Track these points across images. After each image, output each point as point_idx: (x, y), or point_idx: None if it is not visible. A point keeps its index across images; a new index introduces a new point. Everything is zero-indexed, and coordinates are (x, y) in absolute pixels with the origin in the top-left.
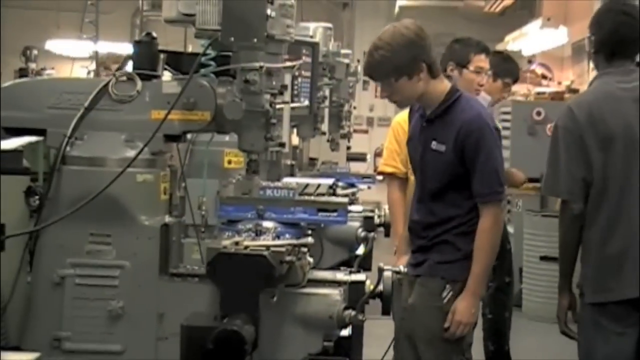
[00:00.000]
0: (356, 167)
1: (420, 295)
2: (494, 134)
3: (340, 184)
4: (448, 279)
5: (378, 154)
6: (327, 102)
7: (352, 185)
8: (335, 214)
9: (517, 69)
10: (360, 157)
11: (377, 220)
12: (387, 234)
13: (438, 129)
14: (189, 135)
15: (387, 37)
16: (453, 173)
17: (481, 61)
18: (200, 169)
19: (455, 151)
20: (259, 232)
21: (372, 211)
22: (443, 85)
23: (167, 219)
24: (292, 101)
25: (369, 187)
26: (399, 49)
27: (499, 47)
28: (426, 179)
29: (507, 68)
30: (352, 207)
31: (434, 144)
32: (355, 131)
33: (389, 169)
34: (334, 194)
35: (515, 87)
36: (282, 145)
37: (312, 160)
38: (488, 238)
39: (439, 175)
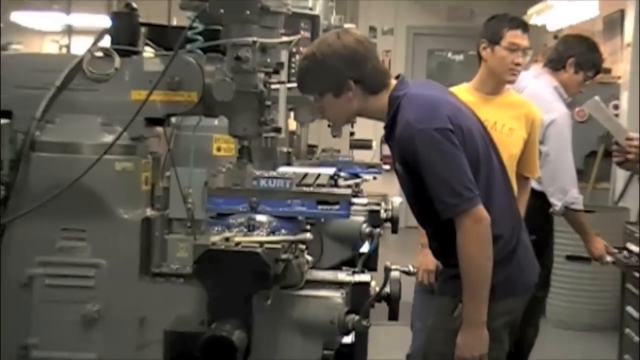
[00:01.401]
0: (360, 155)
1: (434, 316)
2: (433, 137)
3: (342, 174)
4: (459, 296)
5: (385, 141)
6: None
7: (356, 176)
8: (336, 207)
9: (601, 60)
10: (365, 145)
11: (383, 215)
12: (394, 230)
13: (394, 147)
14: (173, 119)
15: (315, 46)
16: (420, 193)
17: (516, 37)
18: (186, 156)
19: (405, 170)
20: (251, 227)
21: (378, 204)
22: (384, 98)
23: (149, 212)
24: (289, 81)
25: (374, 178)
26: (322, 61)
27: None
28: (410, 205)
29: (592, 59)
30: (355, 200)
31: (397, 165)
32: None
33: None
34: (336, 185)
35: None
36: (278, 130)
37: (311, 148)
38: (467, 256)
39: (413, 199)
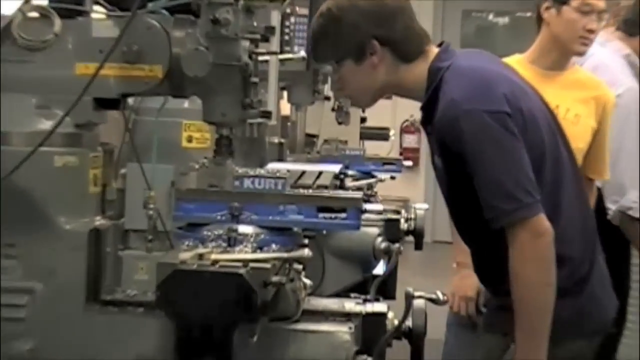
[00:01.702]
0: (374, 147)
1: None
2: (484, 121)
3: (350, 172)
4: (512, 335)
5: (406, 130)
6: None
7: (369, 175)
8: (343, 215)
9: None
10: (380, 134)
11: (404, 226)
12: (418, 246)
13: (433, 134)
14: (131, 100)
15: (331, 1)
16: (464, 195)
17: None
18: (148, 149)
19: (446, 164)
20: (233, 241)
21: (398, 212)
22: (420, 69)
23: (99, 221)
24: (282, 51)
25: (392, 178)
26: (340, 17)
27: None
28: (450, 211)
29: None
30: (367, 206)
31: (436, 160)
32: None
33: None
34: (342, 187)
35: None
36: (267, 115)
37: (310, 138)
38: (521, 280)
39: (454, 203)
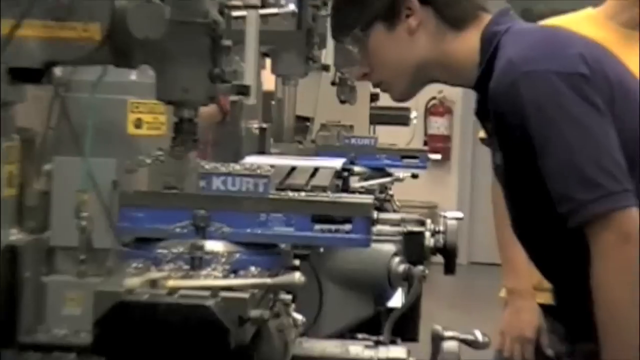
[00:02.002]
0: (390, 135)
1: None
2: (553, 85)
3: (358, 168)
4: None
5: (434, 111)
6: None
7: (382, 172)
8: (347, 227)
9: None
10: (398, 117)
11: (430, 242)
12: (449, 269)
13: (489, 121)
14: (58, 71)
15: None
16: (529, 192)
17: None
18: (81, 137)
19: (506, 156)
20: (197, 262)
21: (421, 223)
22: (474, 39)
23: (15, 235)
24: (264, 4)
25: (414, 176)
26: None
27: None
28: (512, 218)
29: None
30: (380, 215)
31: (496, 157)
32: None
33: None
34: (345, 189)
35: None
36: (244, 91)
37: (303, 122)
38: (605, 297)
39: (516, 205)
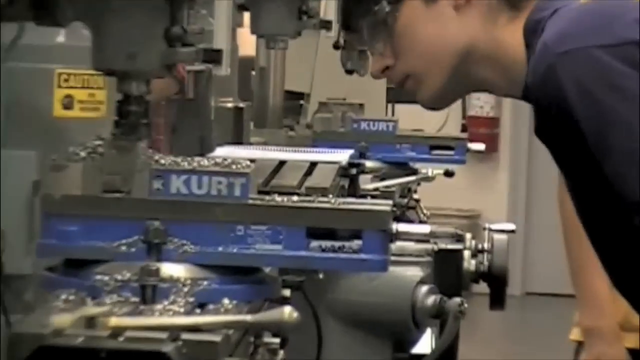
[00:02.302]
0: (414, 118)
1: None
2: (599, 62)
3: (370, 163)
4: None
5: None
6: None
7: (404, 169)
8: (356, 244)
9: None
10: None
11: (469, 264)
12: (497, 300)
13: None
14: None
15: None
16: (603, 204)
17: None
18: None
19: (561, 158)
20: (150, 293)
21: (459, 238)
22: (520, 31)
23: None
24: None
25: (448, 174)
26: None
27: None
28: (591, 238)
29: None
30: (401, 227)
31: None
32: None
33: None
34: (354, 191)
35: None
36: (215, 58)
37: (295, 100)
38: None
39: (591, 220)
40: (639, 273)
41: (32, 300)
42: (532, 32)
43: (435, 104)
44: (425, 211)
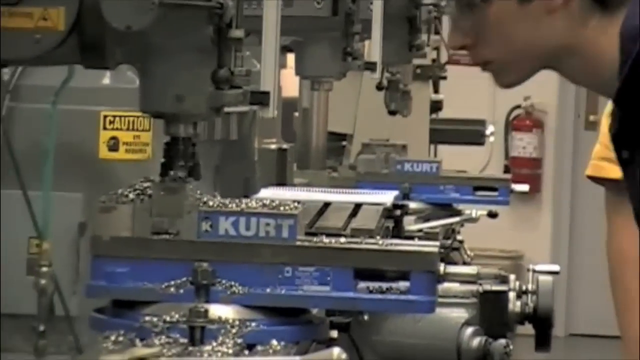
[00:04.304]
0: (458, 158)
1: None
2: None
3: (414, 204)
4: None
5: (518, 125)
6: None
7: (448, 210)
8: (402, 285)
9: None
10: (470, 133)
11: (514, 306)
12: (542, 342)
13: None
14: (6, 72)
15: None
16: None
17: None
18: (35, 162)
19: None
20: (199, 335)
21: (503, 280)
22: (613, 34)
23: None
24: None
25: (492, 215)
26: None
27: None
28: None
29: None
30: (448, 268)
31: None
32: (454, 62)
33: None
34: (398, 233)
35: None
36: (261, 99)
37: (338, 141)
38: None
39: None
40: None
41: (80, 342)
42: (631, 39)
43: (512, 86)
44: (469, 252)
